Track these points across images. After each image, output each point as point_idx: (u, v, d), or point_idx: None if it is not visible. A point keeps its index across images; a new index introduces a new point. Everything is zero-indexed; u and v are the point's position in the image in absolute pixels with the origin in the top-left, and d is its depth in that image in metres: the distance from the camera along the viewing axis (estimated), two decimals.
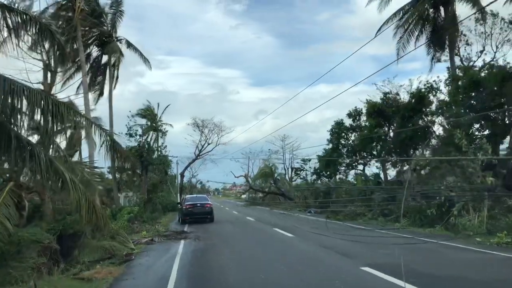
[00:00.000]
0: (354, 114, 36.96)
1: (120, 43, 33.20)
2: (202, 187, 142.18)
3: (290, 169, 54.86)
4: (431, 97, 28.34)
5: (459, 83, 23.55)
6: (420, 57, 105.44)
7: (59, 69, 24.80)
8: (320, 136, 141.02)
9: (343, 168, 38.46)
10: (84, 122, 11.61)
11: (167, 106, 53.68)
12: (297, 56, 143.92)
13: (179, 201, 38.03)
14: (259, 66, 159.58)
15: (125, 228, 20.25)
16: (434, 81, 27.85)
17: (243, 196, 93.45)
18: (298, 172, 42.02)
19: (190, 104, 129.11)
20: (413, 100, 29.51)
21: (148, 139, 38.81)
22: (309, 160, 43.09)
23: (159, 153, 37.07)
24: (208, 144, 69.21)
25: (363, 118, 35.95)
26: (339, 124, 37.75)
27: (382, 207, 23.75)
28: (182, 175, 65.84)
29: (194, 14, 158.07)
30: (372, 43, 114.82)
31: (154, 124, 51.21)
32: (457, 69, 25.10)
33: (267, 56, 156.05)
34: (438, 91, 27.87)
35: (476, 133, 22.67)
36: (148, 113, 48.35)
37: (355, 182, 32.49)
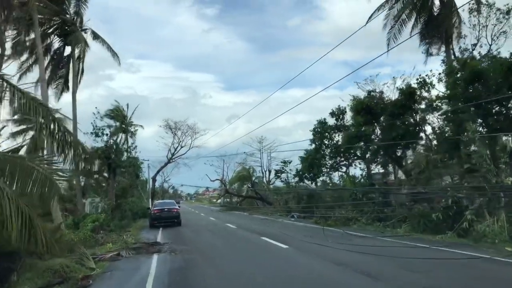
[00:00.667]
0: (338, 113, 34.97)
1: (85, 33, 30.14)
2: (174, 192, 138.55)
3: (268, 172, 52.53)
4: (424, 93, 26.60)
5: (458, 75, 21.74)
6: (404, 58, 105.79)
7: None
8: (292, 139, 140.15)
9: (326, 169, 36.35)
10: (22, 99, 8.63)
11: (136, 106, 51.11)
12: (269, 61, 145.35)
13: (150, 206, 36.97)
14: (232, 71, 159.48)
15: (88, 239, 17.35)
16: (426, 75, 26.07)
17: (218, 201, 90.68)
18: (279, 174, 39.77)
19: (161, 108, 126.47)
20: (402, 96, 27.79)
21: (118, 141, 35.85)
22: (290, 161, 40.86)
23: (129, 154, 33.98)
24: (181, 147, 66.16)
25: (347, 117, 34.13)
26: (322, 124, 35.59)
27: (377, 211, 21.63)
28: (153, 179, 62.57)
29: (165, 18, 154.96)
30: (342, 49, 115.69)
31: (123, 126, 48.25)
32: (455, 62, 23.28)
33: (239, 61, 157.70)
34: (431, 86, 26.09)
35: (480, 128, 20.81)
36: (117, 114, 45.43)
37: (343, 184, 30.30)
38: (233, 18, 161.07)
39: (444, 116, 22.55)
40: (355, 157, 35.21)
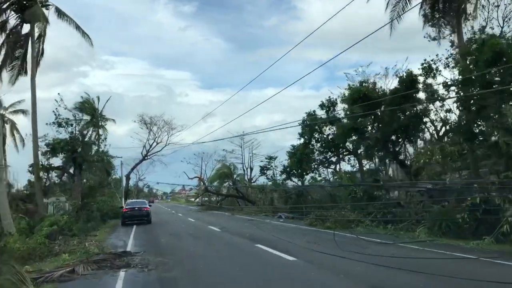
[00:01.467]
0: (328, 105, 32.24)
1: (47, 9, 26.43)
2: (149, 191, 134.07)
3: (249, 170, 49.51)
4: (430, 80, 24.08)
5: (474, 56, 19.15)
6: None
7: None
8: (269, 139, 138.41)
9: (315, 165, 33.56)
10: None
11: (108, 99, 47.31)
12: (246, 60, 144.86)
13: (123, 205, 35.17)
14: (209, 69, 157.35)
15: (39, 249, 13.91)
16: (432, 60, 23.51)
17: (196, 200, 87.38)
18: (265, 171, 36.75)
19: (137, 106, 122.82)
20: (402, 85, 25.24)
21: (87, 134, 32.32)
22: (275, 157, 37.86)
23: (98, 147, 30.34)
24: (157, 143, 62.39)
25: (338, 109, 31.51)
26: (311, 116, 32.74)
27: (384, 212, 18.83)
28: (127, 178, 58.73)
29: (141, 15, 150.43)
30: (318, 50, 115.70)
31: (94, 119, 44.72)
32: (468, 42, 20.73)
33: (217, 59, 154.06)
34: (437, 72, 23.55)
35: None
36: (87, 107, 42.10)
37: (339, 181, 27.53)
38: (211, 17, 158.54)
39: (458, 103, 19.92)
40: (346, 152, 32.61)
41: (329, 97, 31.91)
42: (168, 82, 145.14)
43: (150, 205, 34.03)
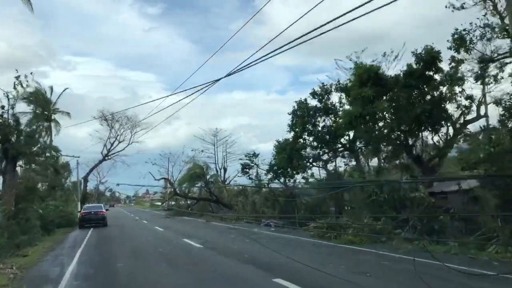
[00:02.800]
0: (321, 93, 27.36)
1: None
2: (111, 195, 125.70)
3: (223, 170, 43.85)
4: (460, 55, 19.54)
5: None
6: None
7: None
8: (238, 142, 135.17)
9: (307, 163, 28.50)
10: None
11: (64, 90, 40.95)
12: (212, 62, 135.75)
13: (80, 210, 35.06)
14: (174, 71, 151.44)
15: None
16: (465, 30, 18.94)
17: (163, 204, 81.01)
18: (247, 169, 31.21)
19: (99, 107, 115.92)
20: (420, 64, 20.79)
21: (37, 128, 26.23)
22: (257, 154, 32.43)
23: (41, 139, 24.05)
24: (119, 142, 55.69)
25: (333, 98, 26.80)
26: (302, 105, 27.71)
27: (424, 221, 13.89)
28: (85, 180, 51.77)
29: (106, 15, 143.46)
30: (283, 56, 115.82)
31: (46, 113, 38.47)
32: None
33: (182, 61, 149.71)
34: (471, 44, 19.00)
35: None
36: (37, 98, 35.89)
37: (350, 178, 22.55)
38: (176, 18, 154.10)
39: None
40: (342, 148, 27.77)
41: (323, 83, 27.06)
42: (132, 84, 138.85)
43: (107, 209, 36.10)
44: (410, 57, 20.80)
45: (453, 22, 30.89)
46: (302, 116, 27.14)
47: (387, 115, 21.76)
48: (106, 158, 53.92)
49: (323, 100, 27.21)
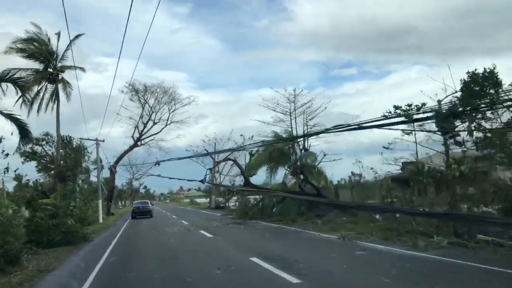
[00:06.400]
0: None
1: None
2: (146, 192, 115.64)
3: (304, 150, 30.27)
4: None
5: None
6: None
7: None
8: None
9: None
10: None
11: (77, 36, 28.38)
12: (239, 60, 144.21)
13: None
14: (202, 69, 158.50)
15: None
16: None
17: (206, 200, 69.49)
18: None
19: (131, 108, 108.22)
20: None
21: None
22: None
23: None
24: (154, 123, 43.92)
25: None
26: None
27: None
28: (112, 170, 40.01)
29: (134, 16, 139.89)
30: (309, 52, 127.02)
31: (50, 69, 27.53)
32: None
33: (210, 59, 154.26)
34: None
35: None
36: (35, 49, 25.17)
37: None
38: (203, 17, 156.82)
39: None
40: None
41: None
42: (162, 83, 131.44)
43: (152, 205, 44.92)
44: None
45: None
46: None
47: None
48: (138, 143, 42.39)
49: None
